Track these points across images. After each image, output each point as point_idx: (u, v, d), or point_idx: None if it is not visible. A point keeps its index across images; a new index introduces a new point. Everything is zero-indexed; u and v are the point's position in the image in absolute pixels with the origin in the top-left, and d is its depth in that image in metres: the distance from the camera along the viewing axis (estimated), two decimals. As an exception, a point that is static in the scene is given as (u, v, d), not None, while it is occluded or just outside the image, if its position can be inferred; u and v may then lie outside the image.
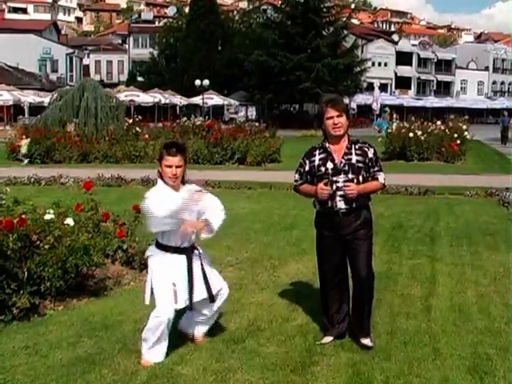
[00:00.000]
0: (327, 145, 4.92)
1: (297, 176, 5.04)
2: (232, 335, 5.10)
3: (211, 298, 4.81)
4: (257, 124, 29.74)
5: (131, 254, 7.11)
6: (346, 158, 4.83)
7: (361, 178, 4.83)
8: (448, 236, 9.19)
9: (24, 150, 21.21)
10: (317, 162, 4.89)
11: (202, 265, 4.76)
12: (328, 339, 5.02)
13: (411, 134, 21.86)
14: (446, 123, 25.65)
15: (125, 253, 7.11)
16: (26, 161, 20.96)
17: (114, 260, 7.10)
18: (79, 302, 6.02)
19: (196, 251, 4.78)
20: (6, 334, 5.14)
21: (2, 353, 4.75)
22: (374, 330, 5.21)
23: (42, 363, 4.56)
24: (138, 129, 25.15)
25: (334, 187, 4.78)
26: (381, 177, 4.93)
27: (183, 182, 4.72)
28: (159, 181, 4.68)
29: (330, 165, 4.84)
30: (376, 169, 4.91)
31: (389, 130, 24.47)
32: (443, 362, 4.63)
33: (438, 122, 25.26)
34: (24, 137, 21.68)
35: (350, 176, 4.80)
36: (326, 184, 4.78)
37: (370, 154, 4.89)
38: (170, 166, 4.55)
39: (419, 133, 22.06)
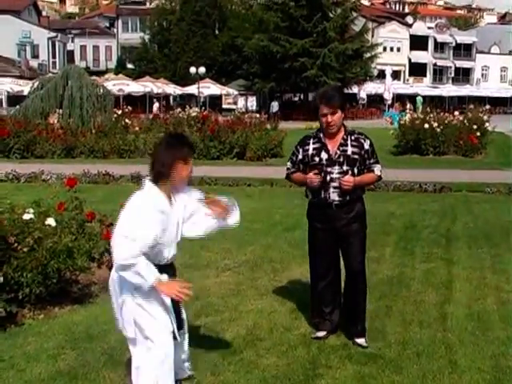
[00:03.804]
0: (321, 135, 5.15)
1: (289, 164, 5.36)
2: (229, 346, 5.10)
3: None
4: (257, 115, 29.72)
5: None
6: (341, 149, 5.07)
7: (356, 170, 5.06)
8: (466, 237, 9.19)
9: None
10: (310, 152, 5.13)
11: None
12: (322, 333, 5.26)
13: (426, 126, 21.83)
14: (465, 113, 25.58)
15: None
16: None
17: (100, 264, 7.08)
18: (61, 310, 6.01)
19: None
20: (-20, 345, 5.12)
21: (-25, 366, 4.74)
22: (384, 340, 5.22)
23: (19, 378, 4.54)
24: (127, 121, 25.13)
25: (328, 178, 5.01)
26: (377, 169, 5.16)
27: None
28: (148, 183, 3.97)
29: (324, 155, 5.07)
30: (372, 161, 5.14)
31: (401, 122, 24.43)
32: (461, 376, 4.62)
33: (456, 113, 25.19)
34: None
35: (345, 168, 5.02)
36: (316, 174, 5.00)
37: (366, 145, 5.11)
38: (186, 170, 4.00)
39: (435, 124, 22.00)
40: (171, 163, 3.88)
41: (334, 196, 5.03)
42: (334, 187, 5.02)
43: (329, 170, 5.03)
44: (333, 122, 5.01)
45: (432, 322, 5.71)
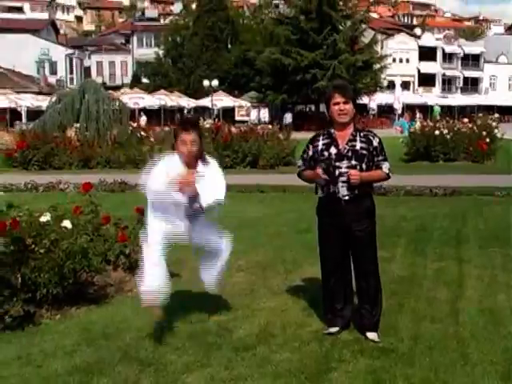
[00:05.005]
0: (332, 131, 5.16)
1: (300, 162, 5.36)
2: (242, 342, 5.06)
3: None
4: (270, 126, 29.70)
5: (134, 259, 7.08)
6: (350, 144, 5.06)
7: (364, 166, 5.03)
8: (477, 238, 9.09)
9: None
10: (320, 147, 5.14)
11: None
12: (335, 329, 5.21)
13: (437, 132, 21.74)
14: (474, 121, 25.45)
15: (127, 258, 7.09)
16: None
17: (115, 266, 7.08)
18: (78, 310, 5.99)
19: None
20: (-2, 343, 5.11)
21: (-7, 363, 4.73)
22: (396, 335, 5.16)
23: (36, 374, 4.53)
24: (142, 133, 25.19)
25: (337, 173, 5.00)
26: (385, 166, 5.12)
27: (203, 159, 5.05)
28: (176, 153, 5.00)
29: (333, 150, 5.07)
30: (380, 158, 5.11)
31: (411, 130, 24.35)
32: (473, 369, 4.56)
33: (465, 119, 25.05)
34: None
35: (353, 162, 5.01)
36: (324, 168, 4.97)
37: (375, 142, 5.10)
38: (185, 143, 4.91)
39: (445, 131, 21.93)
40: (175, 143, 5.07)
41: (343, 190, 5.00)
42: (343, 181, 5.00)
43: (337, 164, 5.02)
44: (345, 111, 5.03)
45: (444, 317, 5.64)
